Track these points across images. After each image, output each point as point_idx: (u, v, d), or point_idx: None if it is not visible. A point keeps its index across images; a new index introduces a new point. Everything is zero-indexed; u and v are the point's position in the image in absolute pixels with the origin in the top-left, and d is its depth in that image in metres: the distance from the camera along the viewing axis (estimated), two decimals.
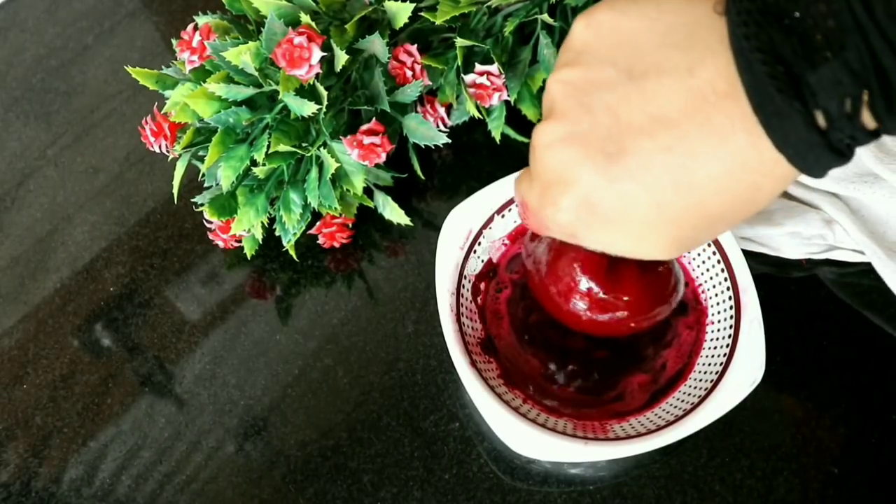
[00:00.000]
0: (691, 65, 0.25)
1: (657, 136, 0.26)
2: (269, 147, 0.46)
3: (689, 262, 0.45)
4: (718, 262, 0.43)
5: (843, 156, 0.24)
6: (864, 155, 0.45)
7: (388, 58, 0.48)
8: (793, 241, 0.47)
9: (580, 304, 0.37)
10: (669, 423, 0.38)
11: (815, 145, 0.24)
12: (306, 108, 0.45)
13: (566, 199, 0.29)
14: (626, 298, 0.36)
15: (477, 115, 0.51)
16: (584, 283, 0.36)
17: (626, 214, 0.28)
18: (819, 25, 0.22)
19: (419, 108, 0.52)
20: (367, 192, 0.51)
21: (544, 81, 0.53)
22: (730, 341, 0.41)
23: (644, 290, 0.37)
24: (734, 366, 0.39)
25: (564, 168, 0.28)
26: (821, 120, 0.23)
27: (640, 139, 0.26)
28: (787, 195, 0.48)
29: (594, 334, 0.40)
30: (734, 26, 0.24)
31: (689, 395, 0.40)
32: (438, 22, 0.47)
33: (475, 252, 0.45)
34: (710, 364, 0.41)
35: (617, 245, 0.30)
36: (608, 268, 0.36)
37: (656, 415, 0.40)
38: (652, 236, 0.29)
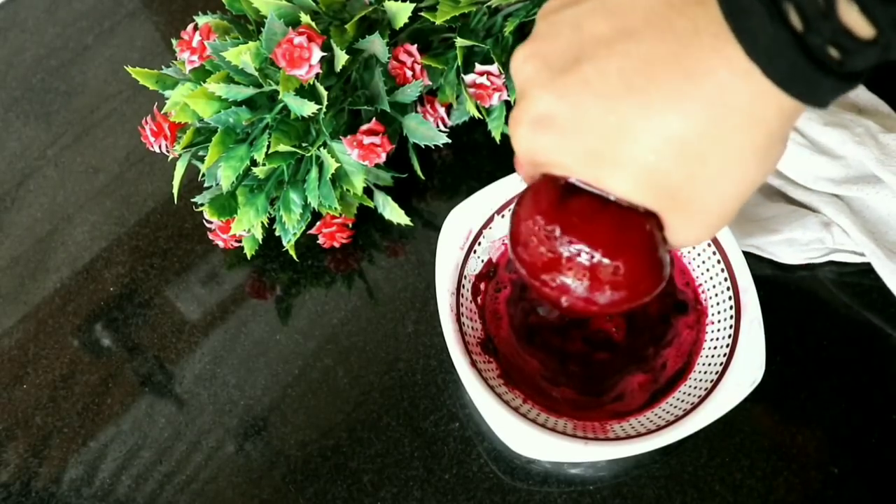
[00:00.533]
0: None
1: (614, 44, 0.25)
2: (269, 147, 0.46)
3: (690, 262, 0.45)
4: (718, 262, 0.43)
5: (830, 70, 0.21)
6: (866, 158, 0.45)
7: (388, 58, 0.48)
8: (791, 247, 0.47)
9: (561, 277, 0.30)
10: (669, 423, 0.38)
11: (788, 47, 0.21)
12: (306, 108, 0.45)
13: (522, 115, 0.28)
14: (599, 250, 0.29)
15: (477, 115, 0.51)
16: (539, 226, 0.30)
17: (585, 130, 0.26)
18: None
19: (419, 108, 0.52)
20: (367, 192, 0.51)
21: None
22: (730, 341, 0.41)
23: (616, 239, 0.29)
24: (734, 366, 0.39)
25: (523, 84, 0.28)
26: (795, 19, 0.20)
27: (598, 48, 0.25)
28: (786, 199, 0.48)
29: (584, 312, 0.33)
30: None
31: (689, 395, 0.40)
32: (438, 22, 0.47)
33: (475, 252, 0.45)
34: (710, 364, 0.41)
35: (582, 169, 0.27)
36: (561, 207, 0.29)
37: (656, 415, 0.40)
38: (615, 159, 0.26)
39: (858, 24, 0.20)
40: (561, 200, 0.29)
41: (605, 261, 0.29)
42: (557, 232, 0.29)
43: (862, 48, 0.20)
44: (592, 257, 0.29)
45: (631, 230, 0.28)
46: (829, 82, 0.21)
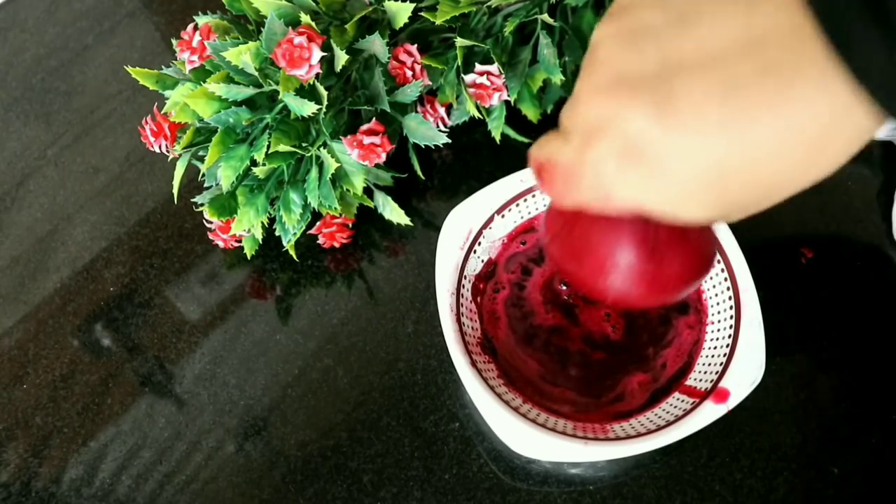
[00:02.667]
0: (750, 5, 0.23)
1: (709, 76, 0.23)
2: (269, 147, 0.46)
3: None
4: (718, 261, 0.43)
5: None
6: None
7: (388, 58, 0.48)
8: None
9: (617, 281, 0.32)
10: (669, 423, 0.38)
11: None
12: (306, 108, 0.45)
13: (610, 146, 0.26)
14: (674, 270, 0.32)
15: (477, 115, 0.51)
16: (625, 257, 0.31)
17: (674, 165, 0.25)
18: None
19: (419, 108, 0.52)
20: (367, 192, 0.51)
21: (544, 81, 0.53)
22: (730, 341, 0.41)
23: (687, 259, 0.32)
24: (734, 366, 0.39)
25: (611, 113, 0.26)
26: None
27: (692, 80, 0.24)
28: None
29: (630, 308, 0.37)
30: None
31: (690, 394, 0.40)
32: (438, 22, 0.47)
33: (475, 252, 0.45)
34: (710, 364, 0.41)
35: (658, 201, 0.26)
36: (648, 237, 0.31)
37: (656, 415, 0.40)
38: (697, 193, 0.25)
39: None
40: (650, 236, 0.31)
41: (679, 275, 0.32)
42: (641, 264, 0.31)
43: None
44: (671, 272, 0.32)
45: (704, 246, 0.32)
46: None
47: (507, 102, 0.53)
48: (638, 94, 0.25)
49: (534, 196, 0.46)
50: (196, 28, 0.48)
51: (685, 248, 0.31)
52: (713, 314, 0.43)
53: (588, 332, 0.45)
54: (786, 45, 0.22)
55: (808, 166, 0.24)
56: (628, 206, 0.27)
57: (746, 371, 0.39)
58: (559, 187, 0.29)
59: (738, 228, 0.47)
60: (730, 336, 0.41)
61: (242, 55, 0.45)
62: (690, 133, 0.24)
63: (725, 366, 0.40)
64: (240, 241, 0.52)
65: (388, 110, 0.49)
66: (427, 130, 0.50)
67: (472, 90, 0.50)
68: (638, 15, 0.26)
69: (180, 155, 0.50)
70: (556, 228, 0.34)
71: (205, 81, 0.46)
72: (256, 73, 0.46)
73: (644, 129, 0.25)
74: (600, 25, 0.27)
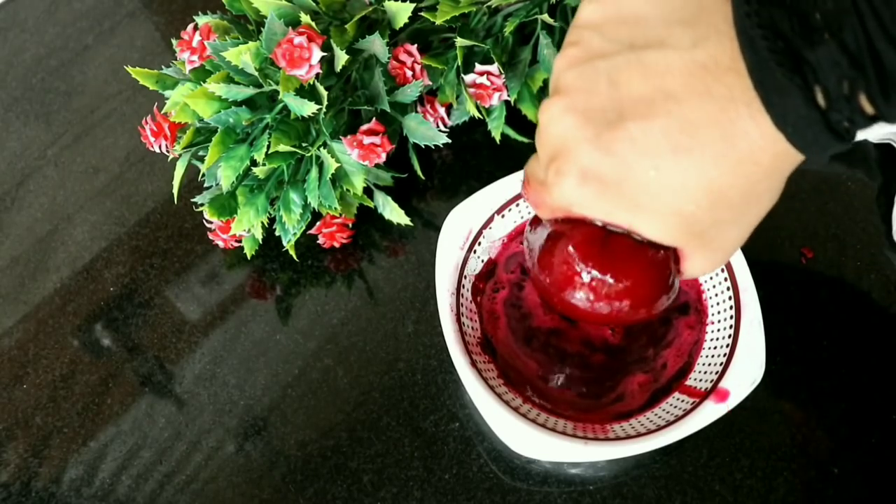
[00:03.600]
0: (695, 40, 0.26)
1: (656, 104, 0.26)
2: (269, 147, 0.46)
3: None
4: None
5: (842, 138, 0.24)
6: None
7: (388, 58, 0.48)
8: None
9: (579, 294, 0.34)
10: (669, 423, 0.38)
11: (814, 123, 0.24)
12: (306, 108, 0.45)
13: (568, 168, 0.29)
14: (622, 284, 0.34)
15: (477, 115, 0.51)
16: (581, 268, 0.34)
17: (627, 183, 0.28)
18: (818, 5, 0.23)
19: (419, 108, 0.52)
20: (367, 192, 0.51)
21: (544, 81, 0.53)
22: (730, 341, 0.41)
23: (642, 276, 0.34)
24: (734, 366, 0.39)
25: (565, 138, 0.29)
26: (820, 99, 0.23)
27: (639, 107, 0.27)
28: None
29: (595, 324, 0.38)
30: (738, 4, 0.24)
31: (690, 395, 0.40)
32: (438, 22, 0.47)
33: (475, 252, 0.45)
34: (710, 364, 0.41)
35: (618, 216, 0.29)
36: (603, 250, 0.33)
37: (656, 415, 0.40)
38: (653, 208, 0.28)
39: (865, 103, 0.23)
40: (602, 243, 0.32)
41: (627, 289, 0.34)
42: (595, 270, 0.33)
43: (868, 122, 0.24)
44: (620, 286, 0.33)
45: (660, 267, 0.33)
46: (838, 146, 0.25)
47: (507, 102, 0.53)
48: (591, 123, 0.28)
49: None
50: (196, 28, 0.48)
51: (641, 265, 0.33)
52: (713, 314, 0.43)
53: (587, 335, 0.45)
54: (722, 79, 0.25)
55: (749, 181, 0.27)
56: (598, 216, 0.30)
57: (746, 371, 0.39)
58: (533, 198, 0.33)
59: None
60: (730, 336, 0.41)
61: (242, 55, 0.45)
62: (637, 152, 0.27)
63: (725, 366, 0.40)
64: (240, 241, 0.52)
65: (388, 110, 0.49)
66: (427, 130, 0.50)
67: (472, 90, 0.50)
68: (592, 43, 0.28)
69: (180, 155, 0.50)
70: (532, 241, 0.36)
71: (205, 81, 0.46)
72: (256, 73, 0.46)
73: (596, 158, 0.28)
74: (560, 55, 0.30)
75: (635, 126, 0.27)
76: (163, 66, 0.51)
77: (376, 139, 0.46)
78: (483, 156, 0.55)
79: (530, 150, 0.55)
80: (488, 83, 0.49)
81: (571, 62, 0.29)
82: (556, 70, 0.30)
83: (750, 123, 0.25)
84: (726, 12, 0.25)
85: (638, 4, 0.28)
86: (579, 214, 0.31)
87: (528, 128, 0.53)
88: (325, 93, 0.45)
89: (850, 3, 0.22)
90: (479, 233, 0.45)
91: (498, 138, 0.53)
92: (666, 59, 0.26)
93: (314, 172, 0.48)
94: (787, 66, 0.23)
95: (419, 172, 0.53)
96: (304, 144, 0.47)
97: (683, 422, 0.38)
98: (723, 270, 0.42)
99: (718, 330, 0.42)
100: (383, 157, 0.47)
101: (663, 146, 0.27)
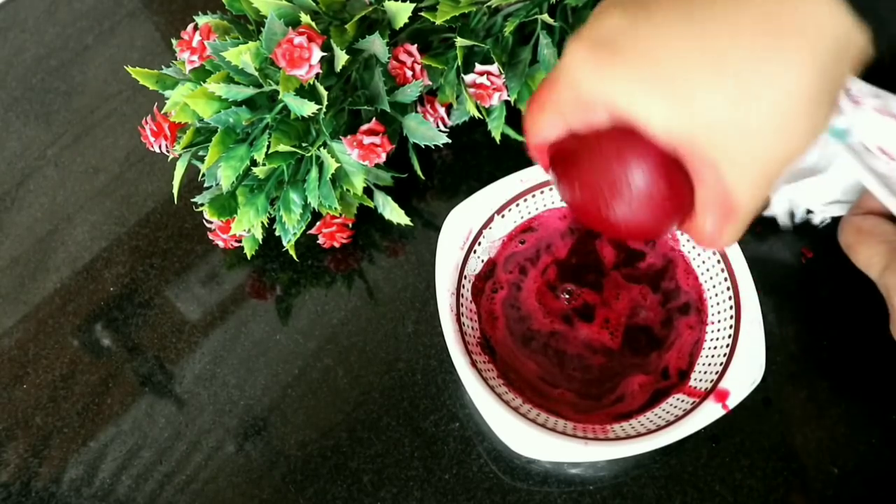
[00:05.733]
0: None
1: None
2: (269, 147, 0.46)
3: (693, 260, 0.45)
4: (718, 261, 0.43)
5: None
6: None
7: (388, 58, 0.48)
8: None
9: (631, 208, 0.31)
10: (669, 423, 0.38)
11: None
12: (306, 108, 0.45)
13: (583, 44, 0.27)
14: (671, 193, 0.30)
15: (477, 115, 0.51)
16: (622, 179, 0.30)
17: (638, 50, 0.26)
18: None
19: (419, 108, 0.52)
20: (367, 192, 0.51)
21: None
22: (730, 341, 0.41)
23: (672, 193, 0.30)
24: (734, 366, 0.39)
25: (592, 21, 0.28)
26: None
27: None
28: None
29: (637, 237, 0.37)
30: None
31: (690, 395, 0.40)
32: (438, 22, 0.47)
33: (475, 252, 0.45)
34: (710, 364, 0.41)
35: (625, 91, 0.27)
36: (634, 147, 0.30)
37: (656, 415, 0.40)
38: (662, 82, 0.26)
39: None
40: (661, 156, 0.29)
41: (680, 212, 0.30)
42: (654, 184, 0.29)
43: None
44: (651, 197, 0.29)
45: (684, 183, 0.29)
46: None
47: (507, 102, 0.53)
48: (615, 8, 0.27)
49: (534, 196, 0.46)
50: (196, 28, 0.48)
51: (670, 180, 0.29)
52: (713, 314, 0.43)
53: (586, 339, 0.45)
54: None
55: (790, 95, 0.24)
56: (598, 100, 0.27)
57: (746, 371, 0.39)
58: (540, 100, 0.30)
59: None
60: (730, 336, 0.41)
61: (242, 55, 0.45)
62: (656, 25, 0.25)
63: (725, 366, 0.40)
64: (240, 241, 0.52)
65: (388, 110, 0.49)
66: (427, 130, 0.50)
67: (472, 90, 0.50)
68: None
69: (180, 155, 0.50)
70: (560, 163, 0.33)
71: (205, 81, 0.46)
72: (256, 73, 0.46)
73: (615, 25, 0.26)
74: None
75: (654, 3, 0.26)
76: (163, 66, 0.51)
77: (376, 139, 0.46)
78: (483, 156, 0.55)
79: None
80: (488, 83, 0.49)
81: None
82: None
83: None
84: None
85: None
86: (586, 104, 0.28)
87: None
88: (325, 93, 0.45)
89: None
90: (479, 233, 0.45)
91: (498, 138, 0.53)
92: None
93: (314, 172, 0.48)
94: None
95: (419, 172, 0.53)
96: (304, 144, 0.47)
97: (683, 422, 0.38)
98: (723, 270, 0.43)
99: (718, 330, 0.42)
100: (383, 157, 0.47)
101: (677, 15, 0.25)
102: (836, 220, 0.47)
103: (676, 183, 0.29)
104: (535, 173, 0.46)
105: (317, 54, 0.43)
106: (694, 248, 0.45)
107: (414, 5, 0.47)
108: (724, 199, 0.28)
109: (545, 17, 0.49)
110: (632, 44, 0.26)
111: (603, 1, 0.28)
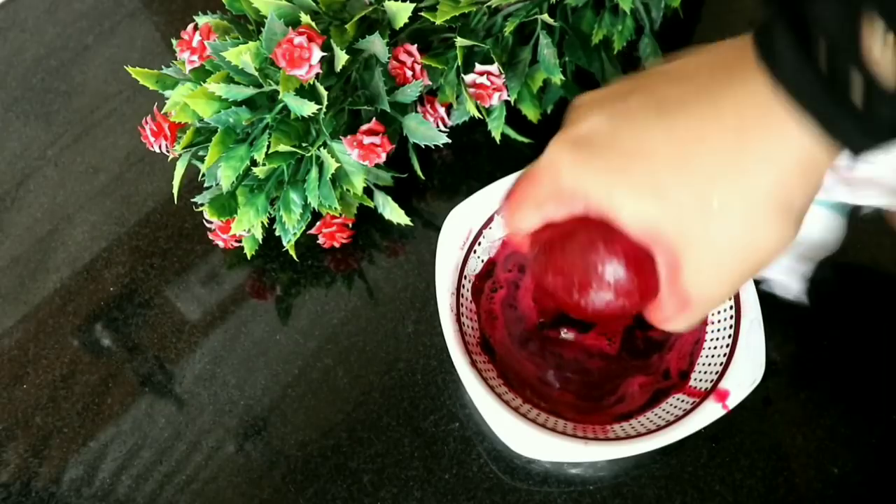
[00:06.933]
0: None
1: (660, 84, 0.29)
2: (269, 147, 0.46)
3: None
4: None
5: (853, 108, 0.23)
6: None
7: (388, 58, 0.48)
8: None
9: (599, 296, 0.32)
10: (669, 423, 0.38)
11: (808, 73, 0.23)
12: (306, 108, 0.45)
13: (570, 133, 0.30)
14: (631, 274, 0.32)
15: (477, 115, 0.51)
16: (609, 268, 0.32)
17: (615, 150, 0.29)
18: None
19: (419, 108, 0.52)
20: (367, 192, 0.51)
21: (544, 81, 0.53)
22: (730, 341, 0.41)
23: (648, 263, 0.31)
24: (734, 366, 0.39)
25: (574, 119, 0.31)
26: (856, 97, 0.23)
27: (648, 83, 0.29)
28: None
29: (603, 320, 0.39)
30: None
31: (690, 395, 0.40)
32: (438, 22, 0.47)
33: (475, 252, 0.45)
34: (710, 364, 0.41)
35: (596, 185, 0.29)
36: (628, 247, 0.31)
37: (656, 415, 0.40)
38: (633, 176, 0.28)
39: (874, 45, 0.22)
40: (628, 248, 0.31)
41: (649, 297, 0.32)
42: (622, 276, 0.31)
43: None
44: (637, 297, 0.32)
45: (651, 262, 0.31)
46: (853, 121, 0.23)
47: (507, 102, 0.53)
48: (597, 109, 0.30)
49: None
50: (196, 28, 0.48)
51: (640, 268, 0.31)
52: (713, 314, 0.43)
53: (583, 343, 0.45)
54: (729, 60, 0.26)
55: (755, 199, 0.26)
56: (577, 192, 0.30)
57: (746, 371, 0.39)
58: (522, 194, 0.32)
59: None
60: (730, 336, 0.41)
61: (242, 55, 0.45)
62: (630, 125, 0.28)
63: (725, 366, 0.40)
64: (240, 241, 0.52)
65: (388, 110, 0.49)
66: (427, 130, 0.50)
67: (472, 90, 0.50)
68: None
69: (180, 155, 0.50)
70: (536, 248, 0.35)
71: (205, 81, 0.46)
72: (256, 73, 0.46)
73: (595, 125, 0.29)
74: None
75: (635, 97, 0.28)
76: (163, 66, 0.51)
77: (376, 139, 0.46)
78: (483, 156, 0.55)
79: (530, 149, 0.55)
80: (488, 83, 0.49)
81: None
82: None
83: (743, 93, 0.26)
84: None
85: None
86: (564, 194, 0.30)
87: (528, 128, 0.53)
88: (325, 93, 0.45)
89: None
90: (479, 233, 0.45)
91: (498, 138, 0.53)
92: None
93: (314, 172, 0.48)
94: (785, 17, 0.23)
95: (419, 172, 0.53)
96: (304, 144, 0.47)
97: (683, 422, 0.38)
98: None
99: (718, 330, 0.42)
100: (383, 157, 0.47)
101: (649, 117, 0.28)
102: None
103: (644, 272, 0.31)
104: None
105: (317, 54, 0.43)
106: None
107: (414, 5, 0.47)
108: (682, 291, 0.30)
109: (545, 17, 0.49)
110: (609, 142, 0.29)
111: (583, 96, 0.31)
